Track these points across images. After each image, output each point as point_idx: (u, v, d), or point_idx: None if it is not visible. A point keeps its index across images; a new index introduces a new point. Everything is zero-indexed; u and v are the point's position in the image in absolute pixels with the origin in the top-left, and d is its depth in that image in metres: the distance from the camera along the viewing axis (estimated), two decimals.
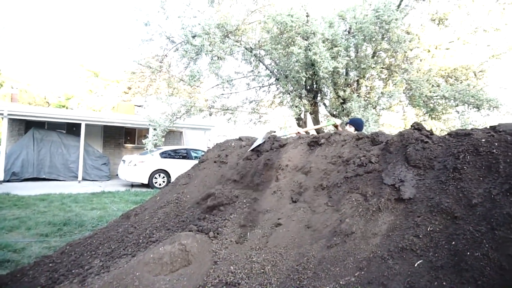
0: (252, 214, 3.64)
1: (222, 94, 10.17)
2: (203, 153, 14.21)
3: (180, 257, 3.28)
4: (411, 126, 3.21)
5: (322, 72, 7.05)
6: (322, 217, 3.10)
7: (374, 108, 7.67)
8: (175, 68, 11.09)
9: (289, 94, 8.96)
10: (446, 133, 3.11)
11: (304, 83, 8.98)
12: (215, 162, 4.99)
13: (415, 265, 2.15)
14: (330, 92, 9.02)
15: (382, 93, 7.96)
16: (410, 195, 2.62)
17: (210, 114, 11.28)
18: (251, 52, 10.00)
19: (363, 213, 2.76)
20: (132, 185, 13.26)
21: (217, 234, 3.43)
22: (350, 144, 3.60)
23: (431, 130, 3.07)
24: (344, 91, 8.64)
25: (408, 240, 2.33)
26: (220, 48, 8.90)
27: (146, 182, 12.48)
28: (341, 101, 8.68)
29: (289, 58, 8.22)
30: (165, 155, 13.06)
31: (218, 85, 9.81)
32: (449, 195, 2.40)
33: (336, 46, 7.74)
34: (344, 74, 8.49)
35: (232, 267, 2.99)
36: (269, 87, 10.66)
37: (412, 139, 2.98)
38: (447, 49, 8.55)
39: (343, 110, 9.10)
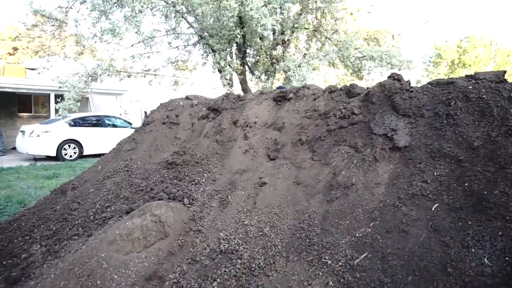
0: (226, 175, 3.34)
1: (144, 53, 9.14)
2: (119, 120, 12.96)
3: (155, 230, 2.86)
4: (389, 77, 3.22)
5: (260, 29, 6.76)
6: (311, 172, 2.97)
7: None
8: (83, 23, 9.55)
9: (219, 53, 8.46)
10: None
11: (236, 42, 8.58)
12: (163, 123, 4.44)
13: (432, 209, 2.17)
14: (261, 52, 8.79)
15: (318, 50, 8.05)
16: (405, 143, 2.64)
17: (129, 76, 10.15)
18: (174, 7, 9.08)
19: (359, 165, 2.70)
20: (36, 159, 11.42)
21: (192, 200, 3.08)
22: (324, 97, 3.50)
23: (408, 80, 3.12)
24: (276, 50, 8.52)
25: (417, 186, 2.34)
26: (140, 1, 7.87)
27: (53, 154, 10.84)
28: (274, 61, 8.56)
29: (222, 14, 7.68)
30: (75, 123, 11.46)
31: (139, 42, 8.75)
32: (448, 140, 2.46)
33: (270, 3, 7.46)
34: (278, 32, 8.32)
35: (221, 234, 2.71)
36: (195, 46, 9.94)
37: (396, 89, 2.99)
38: (368, 12, 8.98)
39: (273, 71, 9.04)
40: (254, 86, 10.92)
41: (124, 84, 15.52)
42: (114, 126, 12.71)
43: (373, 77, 8.28)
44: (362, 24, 8.99)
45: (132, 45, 8.97)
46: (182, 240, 2.79)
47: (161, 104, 4.80)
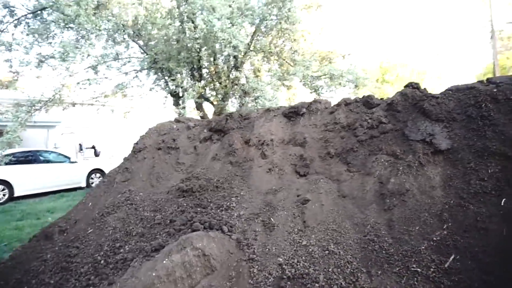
0: (257, 197, 3.13)
1: (93, 79, 8.43)
2: (54, 155, 11.66)
3: (199, 265, 2.55)
4: (407, 85, 3.36)
5: (229, 50, 6.70)
6: (353, 184, 2.92)
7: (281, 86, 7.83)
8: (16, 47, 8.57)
9: (180, 77, 8.15)
10: None
11: (193, 65, 8.40)
12: (159, 149, 4.07)
13: (502, 204, 2.24)
14: (221, 74, 8.68)
15: (286, 73, 8.19)
16: (447, 146, 2.74)
17: (74, 105, 9.30)
18: (123, 31, 8.60)
19: (406, 171, 2.73)
20: None
21: (231, 227, 2.80)
22: (342, 110, 3.52)
23: (425, 88, 3.29)
24: (232, 72, 8.53)
25: (476, 185, 2.42)
26: (92, 22, 7.32)
27: None
28: (235, 83, 8.52)
29: (185, 37, 7.48)
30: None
31: (89, 67, 8.08)
32: (490, 139, 2.61)
33: (233, 25, 7.48)
34: (231, 54, 8.31)
35: (280, 259, 2.49)
36: (148, 70, 9.45)
37: (420, 97, 3.12)
38: (319, 34, 9.49)
39: (232, 93, 8.98)
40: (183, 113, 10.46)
41: (57, 115, 14.09)
42: (48, 162, 11.38)
43: (330, 95, 8.64)
44: (314, 45, 9.44)
45: (85, 69, 8.23)
46: (234, 272, 2.50)
47: (150, 129, 4.40)
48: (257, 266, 2.49)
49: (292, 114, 3.77)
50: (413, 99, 3.15)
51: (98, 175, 11.96)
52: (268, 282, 2.36)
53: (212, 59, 8.52)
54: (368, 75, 8.40)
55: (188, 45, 7.27)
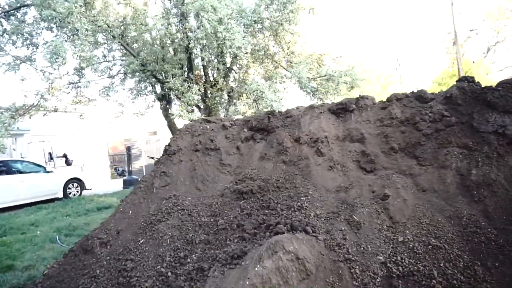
0: (328, 195, 2.99)
1: (80, 81, 7.86)
2: (28, 165, 10.72)
3: (294, 270, 2.38)
4: (459, 80, 3.40)
5: (234, 50, 6.50)
6: (429, 177, 2.88)
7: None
8: None
9: (177, 79, 7.76)
10: None
11: (186, 67, 8.10)
12: (196, 150, 3.80)
13: None
14: (217, 77, 8.44)
15: (281, 75, 8.11)
16: None
17: (55, 111, 8.63)
18: (110, 32, 8.07)
19: (486, 162, 2.73)
20: None
21: (313, 227, 2.64)
22: (396, 105, 3.48)
23: (479, 82, 3.34)
24: (231, 74, 8.35)
25: None
26: (80, 22, 6.81)
27: None
28: (231, 85, 8.32)
29: (184, 38, 7.18)
30: None
31: (77, 69, 7.50)
32: None
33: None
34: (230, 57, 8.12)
35: (380, 257, 2.37)
36: (133, 75, 8.93)
37: (481, 90, 3.16)
38: (305, 38, 9.44)
39: (236, 95, 8.76)
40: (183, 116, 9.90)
41: (26, 123, 13.01)
42: (21, 172, 10.44)
43: (324, 97, 8.65)
44: (305, 48, 9.45)
45: (76, 70, 7.62)
46: (333, 275, 2.35)
47: (180, 130, 4.11)
48: (357, 267, 2.35)
49: (341, 110, 3.69)
50: (473, 92, 3.19)
51: (75, 184, 11.14)
52: (376, 282, 2.23)
53: (207, 60, 8.27)
54: (363, 76, 8.55)
55: (190, 45, 6.97)
